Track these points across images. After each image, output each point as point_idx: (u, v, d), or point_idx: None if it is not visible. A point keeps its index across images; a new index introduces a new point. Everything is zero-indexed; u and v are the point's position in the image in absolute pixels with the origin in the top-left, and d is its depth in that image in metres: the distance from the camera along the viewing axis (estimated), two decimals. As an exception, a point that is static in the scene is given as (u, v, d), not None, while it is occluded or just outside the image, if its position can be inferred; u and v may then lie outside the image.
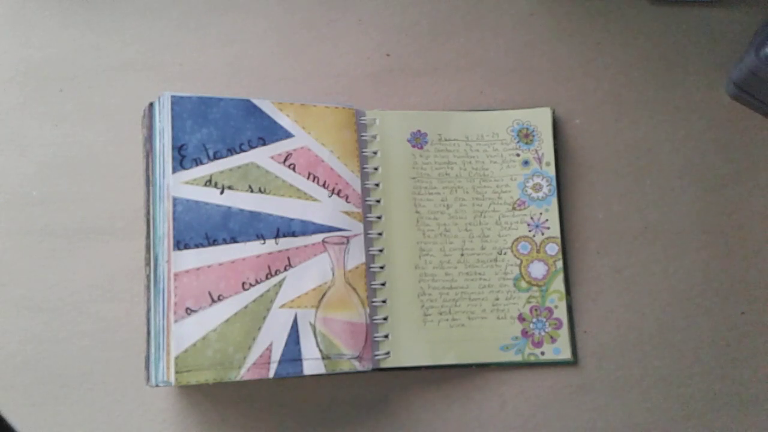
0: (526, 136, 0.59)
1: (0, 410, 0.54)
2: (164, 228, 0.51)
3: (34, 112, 0.60)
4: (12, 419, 0.54)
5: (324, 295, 0.53)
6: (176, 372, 0.49)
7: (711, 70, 0.63)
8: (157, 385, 0.51)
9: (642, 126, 0.62)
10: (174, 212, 0.51)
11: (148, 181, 0.54)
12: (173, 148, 0.52)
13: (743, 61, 0.59)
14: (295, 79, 0.61)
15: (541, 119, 0.60)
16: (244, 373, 0.50)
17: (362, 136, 0.58)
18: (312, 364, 0.52)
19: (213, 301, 0.51)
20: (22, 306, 0.57)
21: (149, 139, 0.54)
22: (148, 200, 0.54)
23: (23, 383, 0.55)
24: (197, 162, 0.53)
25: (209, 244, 0.52)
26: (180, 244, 0.51)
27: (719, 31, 0.64)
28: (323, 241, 0.54)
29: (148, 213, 0.54)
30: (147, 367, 0.52)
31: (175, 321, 0.50)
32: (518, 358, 0.56)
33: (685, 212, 0.60)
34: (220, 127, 0.54)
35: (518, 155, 0.59)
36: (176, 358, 0.49)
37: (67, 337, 0.55)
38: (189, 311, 0.50)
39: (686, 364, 0.58)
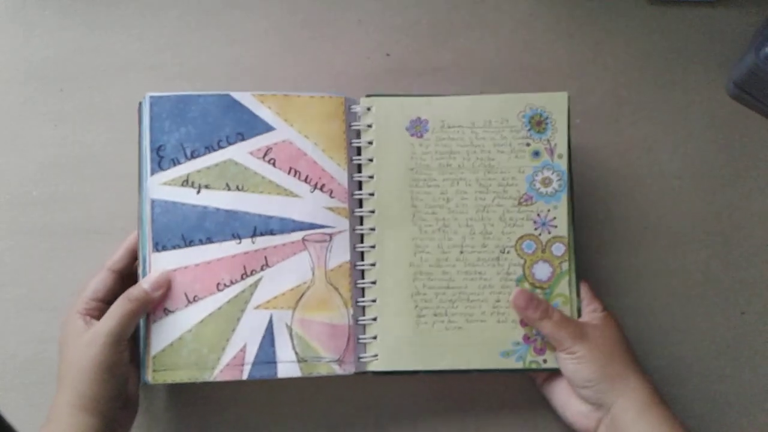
0: (538, 123, 0.55)
1: (0, 410, 0.54)
2: (146, 229, 0.52)
3: (34, 112, 0.60)
4: (12, 419, 0.54)
5: (302, 295, 0.52)
6: (153, 371, 0.50)
7: (711, 70, 0.63)
8: (146, 383, 0.51)
9: (642, 126, 0.62)
10: (152, 214, 0.52)
11: (139, 182, 0.54)
12: (151, 149, 0.52)
13: (743, 61, 0.59)
14: (295, 79, 0.61)
15: (556, 105, 0.55)
16: (217, 374, 0.50)
17: (354, 125, 0.55)
18: (287, 367, 0.51)
19: (189, 302, 0.51)
20: (22, 306, 0.57)
21: (139, 141, 0.54)
22: (138, 201, 0.53)
23: (23, 383, 0.55)
24: (175, 162, 0.52)
25: (185, 245, 0.52)
26: (158, 246, 0.51)
27: (719, 31, 0.64)
28: (303, 239, 0.53)
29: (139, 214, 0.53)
30: (139, 366, 0.52)
31: (154, 321, 0.51)
32: (519, 365, 0.53)
33: (685, 212, 0.60)
34: (198, 125, 0.53)
35: (528, 145, 0.55)
36: (153, 357, 0.50)
37: (67, 337, 0.55)
38: (167, 312, 0.51)
39: (686, 364, 0.58)
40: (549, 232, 0.54)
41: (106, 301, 0.51)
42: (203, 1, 0.63)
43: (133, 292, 0.50)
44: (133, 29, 0.62)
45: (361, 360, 0.53)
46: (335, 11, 0.63)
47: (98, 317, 0.50)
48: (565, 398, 0.52)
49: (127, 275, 0.53)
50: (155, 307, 0.51)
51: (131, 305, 0.49)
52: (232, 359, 0.51)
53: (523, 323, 0.53)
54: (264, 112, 0.53)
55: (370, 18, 0.63)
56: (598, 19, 0.64)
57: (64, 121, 0.60)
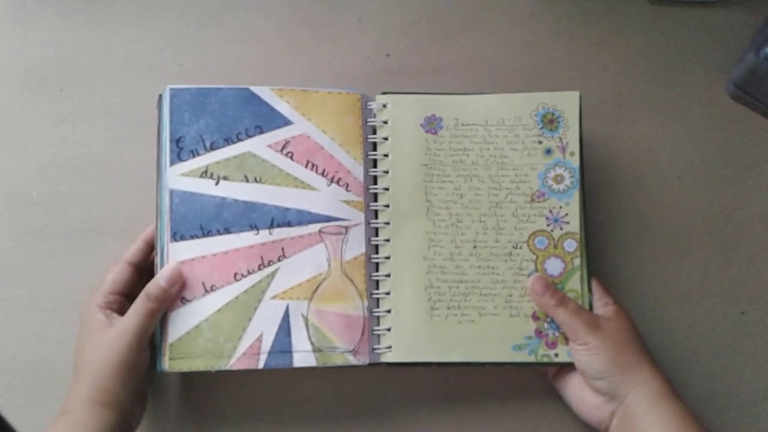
0: (551, 122, 0.56)
1: (0, 410, 0.54)
2: (164, 219, 0.52)
3: (34, 112, 0.60)
4: (12, 419, 0.54)
5: (318, 286, 0.53)
6: (170, 359, 0.50)
7: (711, 70, 0.63)
8: (162, 371, 0.51)
9: (642, 126, 0.62)
10: (171, 204, 0.52)
11: (158, 173, 0.54)
12: (171, 140, 0.53)
13: (743, 61, 0.59)
14: (295, 79, 0.61)
15: (568, 104, 0.56)
16: (233, 363, 0.51)
17: (370, 121, 0.56)
18: (302, 357, 0.52)
19: (206, 291, 0.52)
20: (22, 306, 0.57)
21: (158, 132, 0.54)
22: (157, 192, 0.54)
23: (23, 383, 0.56)
24: (194, 153, 0.53)
25: (203, 235, 0.52)
26: (176, 236, 0.52)
27: (719, 31, 0.64)
28: (319, 231, 0.53)
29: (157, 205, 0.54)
30: (154, 354, 0.52)
31: (171, 310, 0.51)
32: (531, 358, 0.53)
33: (685, 212, 0.60)
34: (217, 117, 0.53)
35: (540, 142, 0.55)
36: (170, 345, 0.51)
37: (67, 337, 0.55)
38: (184, 301, 0.51)
39: (686, 364, 0.58)
40: (561, 228, 0.55)
41: (125, 294, 0.52)
42: (203, 1, 0.63)
43: (152, 290, 0.50)
44: (133, 29, 0.62)
45: (375, 351, 0.53)
46: (335, 11, 0.63)
47: (118, 310, 0.51)
48: (577, 391, 0.52)
49: (144, 268, 0.54)
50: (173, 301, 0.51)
51: (151, 304, 0.49)
52: (249, 348, 0.51)
53: (535, 317, 0.54)
54: (282, 107, 0.54)
55: (370, 18, 0.63)
56: (598, 19, 0.64)
57: (64, 121, 0.60)
